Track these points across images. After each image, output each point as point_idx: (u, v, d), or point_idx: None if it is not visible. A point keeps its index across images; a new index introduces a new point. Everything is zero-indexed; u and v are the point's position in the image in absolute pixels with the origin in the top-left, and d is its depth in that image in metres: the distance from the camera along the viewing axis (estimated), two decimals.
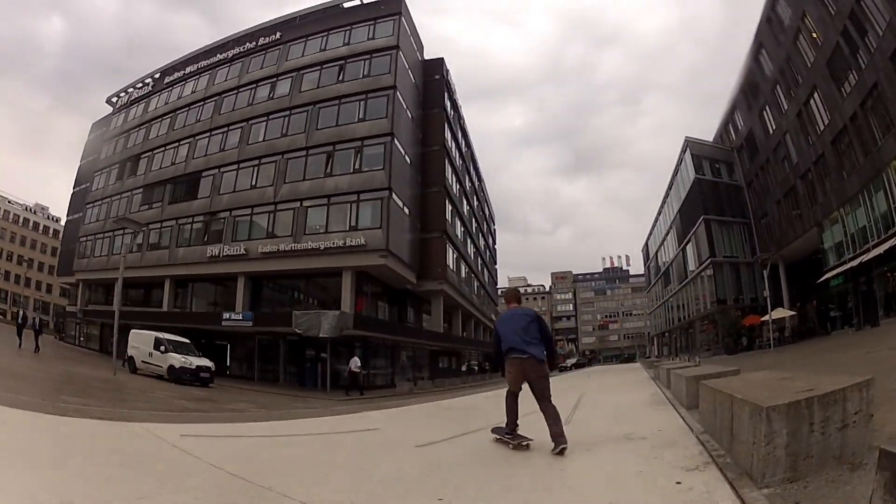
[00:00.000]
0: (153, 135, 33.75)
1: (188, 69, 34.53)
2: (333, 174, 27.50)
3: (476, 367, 43.71)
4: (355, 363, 22.31)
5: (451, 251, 33.48)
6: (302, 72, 30.72)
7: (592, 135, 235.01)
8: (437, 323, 32.86)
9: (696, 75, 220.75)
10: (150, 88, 35.85)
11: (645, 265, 73.53)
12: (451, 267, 33.50)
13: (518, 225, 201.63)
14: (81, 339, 29.62)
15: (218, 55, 33.85)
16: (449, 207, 33.70)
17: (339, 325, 21.32)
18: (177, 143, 32.46)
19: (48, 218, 51.89)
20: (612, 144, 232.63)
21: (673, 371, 10.77)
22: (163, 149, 32.85)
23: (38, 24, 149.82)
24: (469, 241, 41.58)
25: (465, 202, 40.44)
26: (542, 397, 5.06)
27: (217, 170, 30.38)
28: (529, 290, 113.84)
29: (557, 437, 4.74)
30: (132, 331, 20.25)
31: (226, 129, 31.25)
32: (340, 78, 29.69)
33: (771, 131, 34.47)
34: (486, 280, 52.53)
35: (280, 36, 32.40)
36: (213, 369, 18.75)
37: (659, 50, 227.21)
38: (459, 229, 37.45)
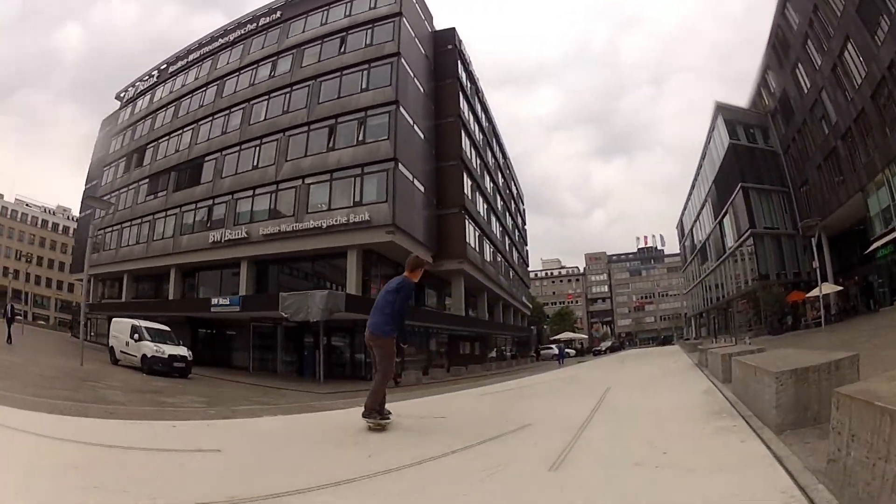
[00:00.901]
0: (158, 124, 32.53)
1: (191, 57, 33.28)
2: (336, 148, 25.43)
3: (507, 353, 41.20)
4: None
5: (471, 228, 30.99)
6: (303, 47, 28.89)
7: (622, 117, 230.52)
8: (458, 306, 30.27)
9: (723, 55, 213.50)
10: (154, 79, 34.72)
11: (680, 243, 69.41)
12: (473, 245, 31.00)
13: (552, 209, 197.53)
14: (92, 334, 28.25)
15: (220, 40, 32.41)
16: (468, 182, 31.30)
17: (329, 307, 18.74)
18: (181, 131, 31.09)
19: (69, 219, 51.78)
20: (643, 126, 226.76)
21: (739, 360, 6.28)
22: (167, 137, 31.55)
23: (58, 35, 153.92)
24: (494, 219, 38.96)
25: (487, 178, 37.90)
26: (376, 369, 4.97)
27: (219, 153, 28.78)
28: (564, 272, 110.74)
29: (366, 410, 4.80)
30: (113, 319, 18.67)
31: (227, 111, 29.65)
32: (342, 50, 27.68)
33: (805, 90, 31.22)
34: (516, 261, 49.76)
35: (280, 15, 30.71)
36: (190, 359, 16.77)
37: (684, 30, 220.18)
38: (482, 206, 34.89)
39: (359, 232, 23.44)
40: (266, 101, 28.56)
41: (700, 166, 49.53)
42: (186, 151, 30.13)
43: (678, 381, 10.10)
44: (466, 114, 33.35)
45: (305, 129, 26.64)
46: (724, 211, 41.17)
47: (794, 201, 36.04)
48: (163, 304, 27.79)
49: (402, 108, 25.32)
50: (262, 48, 30.34)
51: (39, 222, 47.49)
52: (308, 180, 25.44)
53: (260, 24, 31.19)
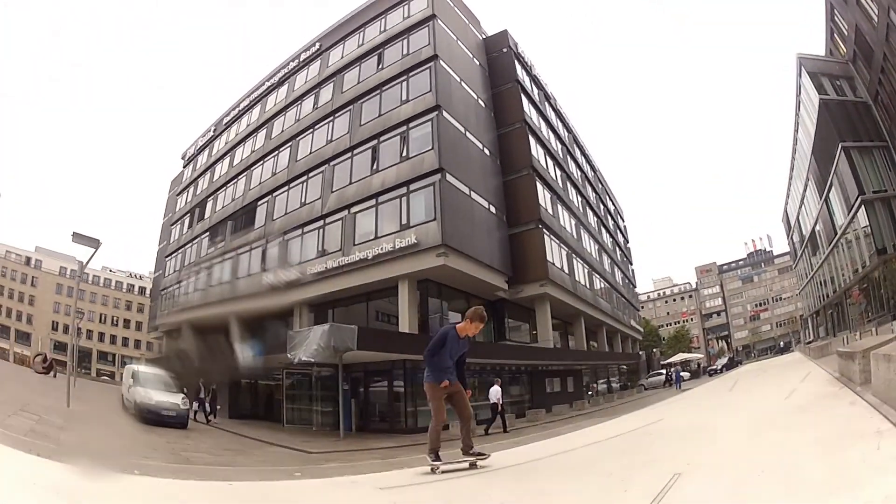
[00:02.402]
0: (216, 177, 31.74)
1: (243, 105, 32.47)
2: (380, 170, 22.25)
3: (616, 385, 35.02)
4: (496, 393, 16.22)
5: (554, 245, 26.19)
6: (343, 73, 26.58)
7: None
8: (546, 336, 25.14)
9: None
10: (212, 133, 34.35)
11: (787, 237, 58.15)
12: (558, 264, 26.13)
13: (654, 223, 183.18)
14: None
15: (267, 84, 31.25)
16: (544, 193, 26.71)
17: (333, 345, 14.69)
18: (235, 179, 29.82)
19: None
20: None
21: None
22: (224, 188, 30.44)
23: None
24: (586, 235, 33.90)
25: (572, 190, 33.05)
26: None
27: (270, 195, 26.82)
28: (676, 289, 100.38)
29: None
30: (126, 366, 16.85)
31: (276, 152, 27.87)
32: (380, 66, 24.92)
33: (875, 18, 24.09)
34: (620, 282, 43.55)
35: (320, 46, 28.91)
36: (184, 407, 15.00)
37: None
38: (567, 221, 29.99)
39: (407, 259, 19.72)
40: (311, 135, 26.37)
41: (795, 141, 41.00)
42: (241, 199, 28.66)
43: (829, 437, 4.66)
44: (535, 119, 29.06)
45: (349, 155, 23.87)
46: (828, 183, 32.72)
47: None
48: (206, 355, 25.73)
49: (445, 113, 21.70)
50: (305, 82, 28.58)
51: (125, 286, 50.08)
52: (354, 209, 22.40)
53: (301, 59, 29.62)
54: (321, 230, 23.40)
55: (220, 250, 28.69)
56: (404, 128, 22.28)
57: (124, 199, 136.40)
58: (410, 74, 23.37)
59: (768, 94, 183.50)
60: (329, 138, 25.19)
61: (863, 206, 28.85)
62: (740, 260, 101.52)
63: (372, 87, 24.48)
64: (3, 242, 40.69)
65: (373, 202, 21.84)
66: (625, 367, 38.74)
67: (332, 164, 24.37)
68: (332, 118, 25.66)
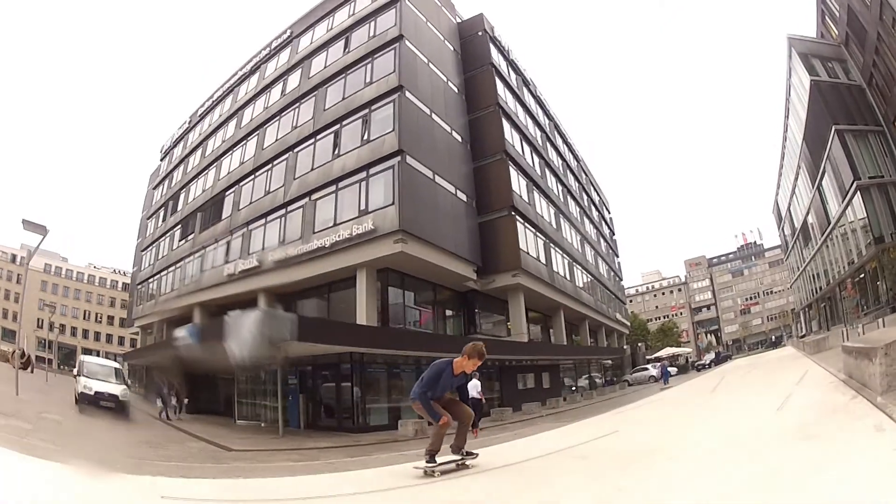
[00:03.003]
0: (189, 168, 30.70)
1: (216, 95, 31.38)
2: (341, 154, 21.04)
3: (596, 381, 33.29)
4: (475, 387, 14.73)
5: (527, 232, 24.66)
6: (311, 58, 25.43)
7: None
8: (519, 329, 23.67)
9: None
10: (187, 125, 33.37)
11: (779, 229, 55.86)
12: (532, 253, 24.63)
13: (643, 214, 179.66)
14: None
15: (239, 73, 30.17)
16: (519, 179, 25.32)
17: (265, 335, 13.32)
18: (206, 170, 28.78)
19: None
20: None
21: None
22: (195, 180, 29.42)
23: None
24: (566, 225, 32.33)
25: (550, 177, 31.51)
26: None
27: (237, 185, 25.75)
28: (665, 283, 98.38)
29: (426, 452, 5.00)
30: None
31: (244, 141, 26.81)
32: (346, 50, 23.72)
33: None
34: (605, 274, 41.93)
35: (290, 33, 27.76)
36: (122, 398, 14.40)
37: None
38: (544, 208, 28.47)
39: (365, 246, 18.46)
40: (277, 122, 25.24)
41: (785, 129, 39.10)
42: (210, 190, 27.60)
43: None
44: (511, 104, 27.64)
45: (312, 141, 22.70)
46: (821, 170, 30.78)
47: (892, 140, 26.16)
48: (161, 345, 24.83)
49: (409, 94, 20.44)
50: (275, 70, 27.46)
51: (108, 283, 49.36)
52: (315, 196, 21.20)
53: (273, 46, 28.48)
54: (283, 219, 22.25)
55: (190, 244, 27.73)
56: (367, 110, 21.03)
57: (109, 195, 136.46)
58: (375, 56, 22.15)
59: (758, 83, 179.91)
60: (294, 125, 24.05)
61: (858, 193, 27.10)
62: (730, 253, 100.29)
63: (337, 70, 23.31)
64: None
65: (333, 188, 20.64)
66: (609, 361, 37.01)
67: (295, 150, 23.23)
68: (298, 105, 24.53)
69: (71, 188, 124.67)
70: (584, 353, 32.68)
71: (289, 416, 16.90)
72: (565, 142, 38.46)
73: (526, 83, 31.26)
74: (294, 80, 25.76)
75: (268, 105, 26.50)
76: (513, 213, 23.09)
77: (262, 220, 23.21)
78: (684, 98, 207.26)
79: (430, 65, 23.01)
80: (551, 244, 27.22)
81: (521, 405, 19.86)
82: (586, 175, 43.75)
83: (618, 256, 50.51)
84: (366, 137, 20.50)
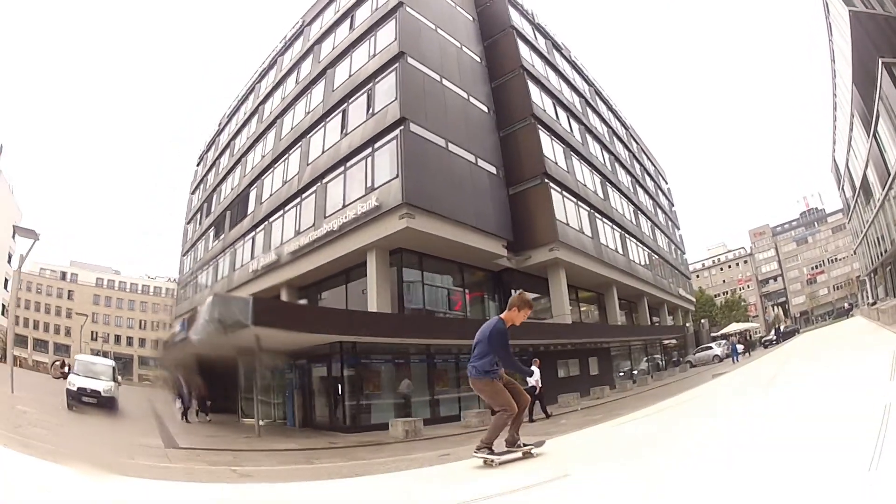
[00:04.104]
0: (220, 169, 30.21)
1: (241, 94, 30.80)
2: (348, 132, 19.23)
3: (660, 363, 29.46)
4: (534, 375, 13.45)
5: (566, 202, 21.61)
6: (320, 43, 23.95)
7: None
8: (561, 308, 20.56)
9: None
10: (218, 128, 33.10)
11: (839, 188, 47.87)
12: (573, 225, 21.58)
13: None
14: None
15: (260, 69, 29.35)
16: (553, 144, 22.43)
17: (220, 319, 11.46)
18: (234, 169, 28.09)
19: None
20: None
21: None
22: (225, 180, 28.83)
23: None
24: (615, 194, 28.82)
25: (593, 144, 28.25)
26: (493, 411, 4.45)
27: (259, 179, 24.70)
28: (731, 255, 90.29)
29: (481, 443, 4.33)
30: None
31: (265, 134, 25.77)
32: (351, 28, 21.95)
33: None
34: (665, 247, 37.70)
35: (302, 22, 26.46)
36: (105, 394, 13.42)
37: None
38: (588, 176, 25.33)
39: (371, 225, 16.48)
40: (293, 111, 23.95)
41: (833, 74, 32.90)
42: (237, 188, 26.84)
43: None
44: (540, 67, 24.69)
45: (322, 123, 21.10)
46: (874, 112, 24.93)
47: None
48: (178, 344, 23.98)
49: (411, 59, 18.27)
50: (290, 60, 26.29)
51: (164, 291, 50.92)
52: (325, 179, 19.53)
53: (287, 38, 27.40)
54: (297, 207, 20.78)
55: (221, 243, 27.11)
56: (371, 84, 19.11)
57: (163, 206, 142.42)
58: (378, 28, 20.15)
59: (804, 34, 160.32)
60: (307, 110, 22.61)
61: None
62: (793, 220, 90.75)
63: (343, 50, 21.61)
64: (36, 261, 42.17)
65: (342, 168, 18.86)
66: (672, 341, 32.70)
67: (308, 136, 21.73)
68: (310, 90, 23.08)
69: (119, 203, 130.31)
70: (638, 333, 28.81)
71: (286, 413, 15.25)
72: (610, 109, 34.67)
73: (557, 47, 28.09)
74: (306, 66, 24.42)
75: (284, 95, 25.34)
76: (546, 180, 20.20)
77: (280, 212, 21.93)
78: (732, 66, 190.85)
79: (439, 30, 20.67)
80: (597, 215, 23.95)
81: (556, 397, 16.93)
82: (637, 143, 39.49)
83: (679, 229, 45.60)
84: (371, 111, 18.56)
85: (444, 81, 19.28)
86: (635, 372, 25.68)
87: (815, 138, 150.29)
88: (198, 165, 35.78)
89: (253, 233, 23.78)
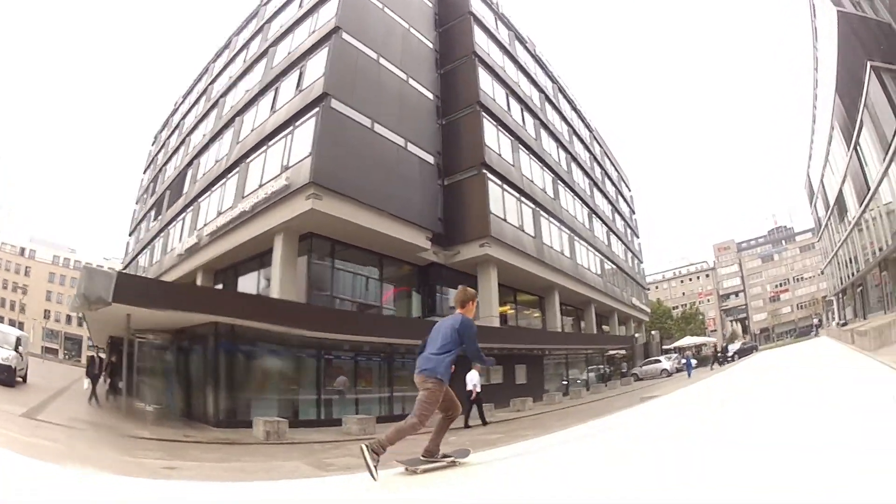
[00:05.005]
0: (168, 149, 28.41)
1: (198, 74, 29.06)
2: (277, 110, 17.55)
3: (602, 375, 27.50)
4: (472, 379, 12.60)
5: (504, 195, 19.68)
6: (270, 21, 22.33)
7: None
8: (489, 310, 18.51)
9: None
10: (172, 108, 31.36)
11: (811, 205, 46.39)
12: (511, 220, 19.73)
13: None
14: None
15: (217, 49, 27.68)
16: (498, 134, 20.65)
17: (85, 294, 9.96)
18: (179, 148, 26.34)
19: None
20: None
21: None
22: (170, 160, 27.05)
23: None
24: (566, 194, 26.90)
25: (548, 141, 26.37)
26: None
27: (197, 159, 22.95)
28: (693, 268, 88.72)
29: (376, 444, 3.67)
30: None
31: (209, 113, 24.07)
32: (300, 5, 20.31)
33: None
34: (621, 254, 35.97)
35: (260, 1, 24.80)
36: (8, 363, 11.69)
37: None
38: (536, 173, 23.43)
39: (280, 207, 14.75)
40: (235, 90, 22.28)
41: (815, 84, 31.52)
42: (177, 167, 25.08)
43: None
44: (497, 57, 22.88)
45: (256, 102, 19.42)
46: (858, 122, 23.23)
47: None
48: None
49: (347, 35, 16.62)
50: (243, 39, 24.62)
51: None
52: (249, 157, 17.80)
53: (246, 17, 25.73)
54: (223, 187, 19.02)
55: (159, 224, 25.31)
56: (305, 60, 17.46)
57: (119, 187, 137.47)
58: (322, 5, 18.53)
59: (785, 46, 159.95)
60: (247, 89, 20.93)
61: None
62: (760, 237, 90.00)
63: (288, 27, 20.00)
64: None
65: (264, 147, 17.16)
66: (622, 352, 30.70)
67: (242, 115, 20.03)
68: (252, 68, 21.46)
69: (77, 184, 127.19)
70: (576, 341, 26.47)
71: (168, 399, 13.43)
72: (574, 108, 33.04)
73: (520, 40, 26.49)
74: (254, 45, 22.79)
75: (231, 74, 23.66)
76: (484, 170, 18.44)
77: (208, 192, 20.17)
78: (707, 80, 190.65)
79: (387, 10, 19.06)
80: (543, 213, 22.19)
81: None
82: (601, 146, 37.81)
83: (638, 237, 43.90)
84: (299, 88, 16.90)
85: (382, 61, 17.63)
86: (571, 382, 23.60)
87: (789, 154, 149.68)
88: (152, 145, 33.97)
89: (184, 214, 22.02)
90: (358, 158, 15.30)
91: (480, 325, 17.49)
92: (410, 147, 17.05)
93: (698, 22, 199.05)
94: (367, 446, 3.61)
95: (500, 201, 18.82)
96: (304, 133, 15.27)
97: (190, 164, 23.51)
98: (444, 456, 4.06)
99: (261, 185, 16.03)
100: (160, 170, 28.02)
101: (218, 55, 27.12)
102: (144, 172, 32.50)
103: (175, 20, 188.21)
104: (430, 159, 17.71)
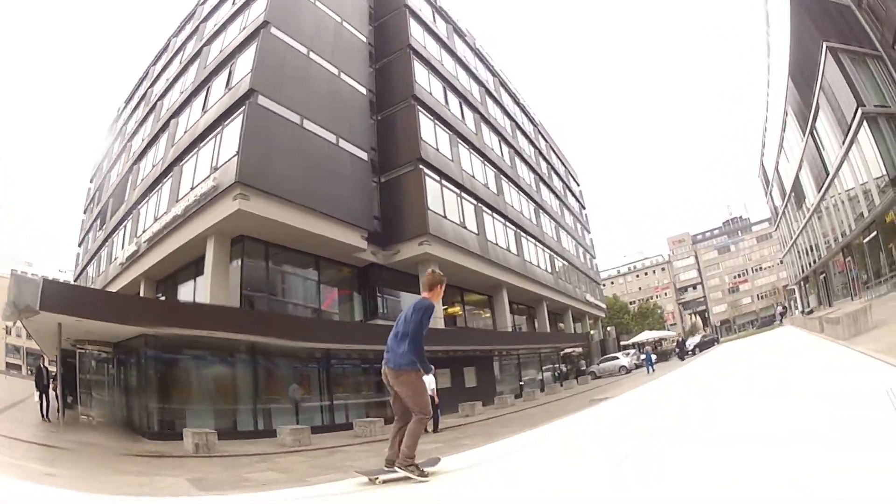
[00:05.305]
0: (112, 155, 27.51)
1: (140, 77, 28.17)
2: (208, 109, 17.12)
3: (559, 374, 27.50)
4: (429, 383, 11.42)
5: (444, 192, 19.44)
6: (206, 21, 21.73)
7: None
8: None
9: None
10: (116, 114, 30.38)
11: (766, 195, 46.69)
12: (451, 217, 19.43)
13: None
14: None
15: (157, 52, 26.86)
16: (435, 128, 20.40)
17: (14, 301, 9.65)
18: (119, 155, 25.53)
19: None
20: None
21: None
22: (113, 167, 26.20)
23: None
24: (511, 189, 26.72)
25: (489, 136, 26.18)
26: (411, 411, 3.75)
27: (137, 164, 22.26)
28: (648, 262, 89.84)
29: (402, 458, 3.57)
30: None
31: (147, 117, 23.33)
32: (234, 3, 19.81)
33: None
34: (573, 250, 36.25)
35: (197, 2, 24.14)
36: None
37: None
38: (478, 168, 23.21)
39: (210, 209, 14.39)
40: (171, 92, 21.66)
41: (768, 70, 31.86)
42: (118, 177, 24.32)
43: None
44: (434, 51, 22.64)
45: (190, 103, 18.92)
46: (814, 105, 23.50)
47: (892, 67, 19.10)
48: None
49: (276, 30, 16.25)
50: (180, 41, 23.95)
51: None
52: (182, 160, 17.34)
53: (184, 17, 25.04)
54: (159, 192, 18.51)
55: (104, 233, 24.54)
56: (235, 58, 17.04)
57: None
58: (253, 2, 18.13)
59: (738, 39, 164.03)
60: (182, 90, 20.38)
61: (865, 123, 20.75)
62: (715, 229, 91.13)
63: (221, 25, 19.50)
64: None
65: (196, 148, 16.73)
66: (577, 350, 30.56)
67: (177, 116, 19.50)
68: (187, 69, 20.88)
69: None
70: (527, 340, 25.94)
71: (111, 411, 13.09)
72: (517, 102, 33.06)
73: (459, 33, 26.35)
74: (190, 46, 22.16)
75: (168, 77, 22.99)
76: (421, 166, 18.30)
77: (146, 198, 19.60)
78: (658, 71, 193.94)
79: (318, 3, 18.72)
80: (486, 209, 22.19)
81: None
82: (546, 141, 37.96)
83: (589, 232, 44.31)
84: (228, 86, 16.51)
85: (313, 55, 17.29)
86: (526, 384, 23.26)
87: (741, 145, 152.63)
88: (98, 152, 32.85)
89: (125, 221, 21.39)
90: (286, 156, 15.00)
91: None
92: (342, 143, 16.77)
93: (649, 11, 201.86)
94: (401, 467, 3.59)
95: (440, 197, 18.70)
96: (232, 132, 14.89)
97: (130, 169, 22.83)
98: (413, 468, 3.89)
99: (192, 188, 15.62)
100: (104, 178, 27.12)
101: (158, 58, 26.32)
102: (91, 181, 31.42)
103: (117, 23, 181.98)
104: (364, 156, 17.42)
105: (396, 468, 3.66)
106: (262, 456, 9.92)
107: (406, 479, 3.64)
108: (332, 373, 15.02)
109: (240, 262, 15.04)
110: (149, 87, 25.14)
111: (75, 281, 28.56)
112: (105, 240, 23.79)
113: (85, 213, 30.00)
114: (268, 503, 4.13)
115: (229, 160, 14.23)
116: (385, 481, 3.66)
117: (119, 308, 11.88)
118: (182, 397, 12.02)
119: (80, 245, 29.20)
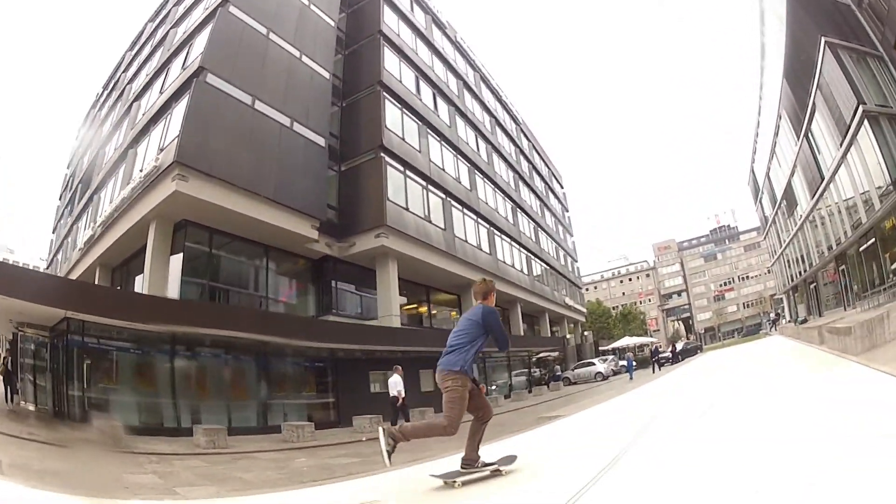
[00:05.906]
0: (84, 142, 26.81)
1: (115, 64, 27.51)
2: (164, 91, 16.37)
3: (533, 379, 26.32)
4: (395, 384, 11.79)
5: (407, 183, 18.44)
6: (178, 6, 21.02)
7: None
8: (388, 308, 17.02)
9: None
10: (94, 100, 29.70)
11: (755, 202, 44.96)
12: (414, 210, 18.41)
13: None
14: None
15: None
16: (402, 117, 19.49)
17: None
18: (90, 143, 24.82)
19: None
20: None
21: None
22: (84, 153, 25.52)
23: None
24: (487, 186, 25.75)
25: (465, 129, 25.21)
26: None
27: (102, 149, 21.56)
28: (633, 268, 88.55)
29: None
30: None
31: (116, 103, 22.67)
32: None
33: None
34: (553, 252, 35.26)
35: None
36: None
37: None
38: (449, 161, 22.24)
39: (151, 192, 13.63)
40: (138, 77, 20.98)
41: (761, 72, 30.70)
42: (88, 161, 23.64)
43: None
44: (408, 39, 21.70)
45: (151, 85, 18.22)
46: (810, 105, 22.35)
47: (894, 68, 17.92)
48: None
49: (235, 9, 15.49)
50: (152, 26, 23.27)
51: None
52: (139, 142, 16.59)
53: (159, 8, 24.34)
54: (116, 174, 17.77)
55: (71, 219, 23.84)
56: (194, 38, 16.32)
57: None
58: None
59: (732, 41, 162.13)
60: (147, 73, 19.66)
61: (866, 122, 19.41)
62: (703, 237, 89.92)
63: (187, 7, 18.85)
64: None
65: (149, 130, 15.98)
66: (552, 354, 29.24)
67: (140, 99, 18.78)
68: (154, 54, 20.24)
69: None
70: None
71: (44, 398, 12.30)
72: (499, 99, 32.15)
73: (440, 25, 25.52)
74: (160, 31, 21.49)
75: (138, 61, 22.32)
76: (382, 154, 17.40)
77: (105, 183, 18.86)
78: (648, 77, 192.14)
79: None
80: (455, 204, 21.27)
81: (353, 418, 12.98)
82: (529, 140, 36.98)
83: (571, 235, 43.27)
84: (184, 66, 15.77)
85: (273, 36, 16.49)
86: (493, 389, 21.95)
87: (731, 153, 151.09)
88: (75, 139, 32.22)
89: (88, 207, 20.68)
90: (234, 138, 14.19)
91: (378, 325, 16.60)
92: (297, 127, 15.91)
93: (640, 14, 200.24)
94: (385, 429, 3.47)
95: (402, 189, 17.80)
96: (179, 111, 14.16)
97: (97, 154, 22.14)
98: (486, 464, 3.73)
99: (141, 170, 14.92)
100: (78, 164, 26.44)
101: (134, 44, 25.66)
102: (68, 167, 30.77)
103: (100, 10, 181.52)
104: (321, 141, 16.52)
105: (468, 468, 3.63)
106: (178, 455, 9.09)
107: (486, 477, 3.50)
108: (269, 369, 14.14)
109: (181, 250, 14.23)
110: (122, 73, 24.48)
111: (48, 267, 27.94)
112: (71, 226, 23.10)
113: (59, 199, 29.35)
114: None
115: (172, 140, 13.47)
116: (465, 482, 3.47)
117: (40, 288, 11.09)
118: (102, 387, 11.21)
119: (53, 231, 28.52)
